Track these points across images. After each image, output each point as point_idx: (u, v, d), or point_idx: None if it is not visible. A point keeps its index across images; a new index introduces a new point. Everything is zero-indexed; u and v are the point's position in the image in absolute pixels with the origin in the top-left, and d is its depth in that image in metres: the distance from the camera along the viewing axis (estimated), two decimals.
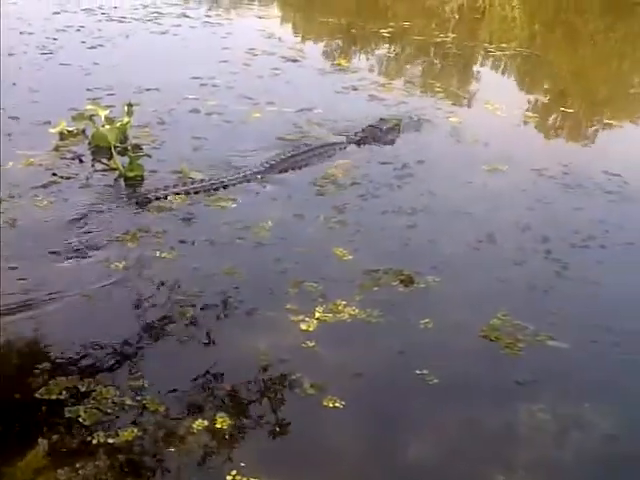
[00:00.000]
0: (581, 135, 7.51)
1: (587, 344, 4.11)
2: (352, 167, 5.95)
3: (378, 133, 6.53)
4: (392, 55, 9.36)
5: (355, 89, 7.62)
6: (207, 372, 3.55)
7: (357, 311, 4.19)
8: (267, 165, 5.73)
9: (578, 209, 5.64)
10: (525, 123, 7.51)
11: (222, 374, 3.54)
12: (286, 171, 5.79)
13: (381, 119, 6.67)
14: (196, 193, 5.33)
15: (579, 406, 3.63)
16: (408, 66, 8.96)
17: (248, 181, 5.56)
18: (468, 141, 6.79)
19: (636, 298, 4.60)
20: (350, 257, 4.74)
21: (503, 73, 9.38)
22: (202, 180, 5.45)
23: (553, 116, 7.86)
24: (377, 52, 9.37)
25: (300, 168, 5.88)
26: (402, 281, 4.53)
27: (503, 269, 4.79)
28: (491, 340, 4.06)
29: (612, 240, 5.18)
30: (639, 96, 9.18)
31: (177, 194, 5.26)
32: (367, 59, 9.07)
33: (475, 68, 9.45)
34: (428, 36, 10.06)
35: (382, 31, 9.89)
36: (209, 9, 10.25)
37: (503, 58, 9.75)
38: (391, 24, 10.21)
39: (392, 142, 6.57)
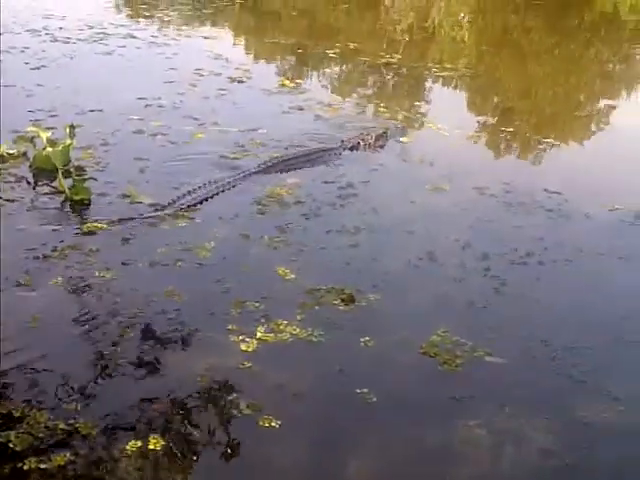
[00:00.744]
0: (523, 154, 7.65)
1: (524, 359, 4.19)
2: (298, 186, 5.97)
3: (369, 140, 6.91)
4: (338, 76, 9.46)
5: (301, 109, 7.67)
6: (142, 394, 3.51)
7: (298, 330, 4.20)
8: (267, 165, 6.08)
9: (518, 227, 5.74)
10: (469, 143, 7.62)
11: (158, 396, 3.51)
12: (282, 172, 6.14)
13: (370, 127, 7.16)
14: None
15: (515, 421, 3.68)
16: (354, 87, 9.03)
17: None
18: (413, 161, 6.88)
19: (572, 313, 4.69)
20: (293, 276, 4.76)
21: (449, 93, 9.52)
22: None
23: (496, 135, 8.00)
24: (324, 73, 9.45)
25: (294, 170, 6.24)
26: (343, 300, 4.56)
27: (443, 286, 4.85)
28: (430, 357, 4.11)
29: (550, 257, 5.28)
30: (581, 115, 9.39)
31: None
32: (313, 80, 9.14)
33: (421, 88, 9.59)
34: (375, 57, 10.17)
35: (329, 52, 9.99)
36: (160, 29, 10.22)
37: (449, 78, 9.91)
38: (338, 45, 10.31)
39: (382, 147, 6.98)
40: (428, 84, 9.74)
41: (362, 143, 6.91)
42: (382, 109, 8.12)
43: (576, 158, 7.71)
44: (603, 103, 9.96)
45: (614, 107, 9.72)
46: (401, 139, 7.28)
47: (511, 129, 8.12)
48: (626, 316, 4.68)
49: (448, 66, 10.32)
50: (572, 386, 3.99)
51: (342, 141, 6.80)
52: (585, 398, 3.90)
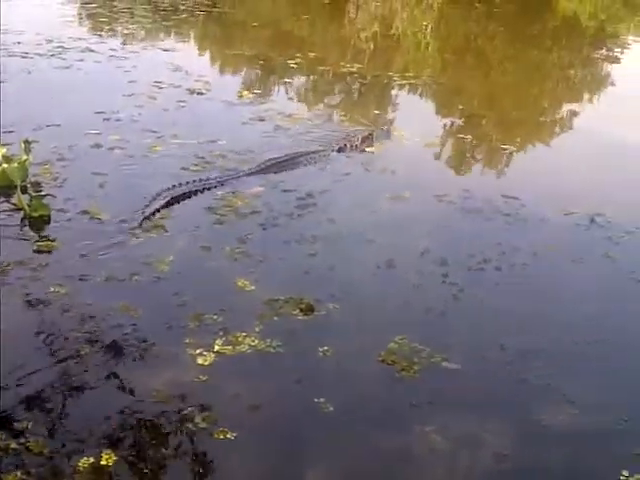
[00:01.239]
0: (483, 161, 7.74)
1: (480, 364, 4.24)
2: (254, 196, 5.97)
3: (355, 142, 7.16)
4: (299, 86, 9.47)
5: (261, 120, 7.67)
6: (96, 410, 3.48)
7: (257, 342, 4.20)
8: (261, 167, 6.33)
9: (476, 233, 5.81)
10: (431, 150, 7.66)
11: (112, 411, 3.48)
12: (276, 173, 6.41)
13: (356, 130, 7.44)
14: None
15: (471, 426, 3.72)
16: (315, 97, 9.06)
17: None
18: (374, 169, 6.92)
19: (528, 317, 4.74)
20: (252, 287, 4.76)
21: (411, 102, 9.58)
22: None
23: (458, 143, 8.07)
24: (285, 83, 9.46)
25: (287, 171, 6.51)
26: (302, 310, 4.57)
27: (401, 294, 4.88)
28: (388, 364, 4.13)
29: (507, 262, 5.35)
30: (542, 120, 9.52)
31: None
32: (274, 90, 9.15)
33: (383, 97, 9.64)
34: (337, 66, 10.25)
35: (290, 62, 10.02)
36: (119, 42, 10.17)
37: (412, 87, 10.00)
38: (301, 55, 10.33)
39: (368, 148, 7.27)
40: (390, 93, 9.79)
41: (349, 145, 7.16)
42: (343, 118, 8.15)
43: (534, 163, 7.79)
44: (564, 108, 10.13)
45: (575, 112, 9.89)
46: (367, 148, 7.33)
47: (473, 136, 8.21)
48: (581, 318, 4.75)
49: (410, 75, 10.42)
50: (527, 390, 4.04)
51: (330, 143, 7.07)
52: (540, 401, 3.95)
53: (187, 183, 5.90)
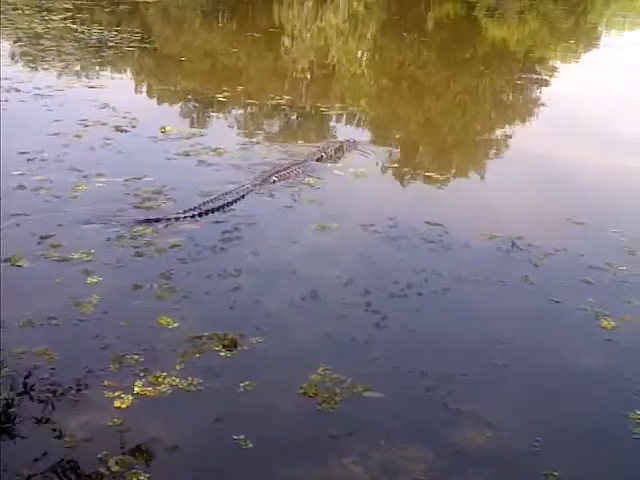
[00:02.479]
0: (410, 188, 7.84)
1: (401, 391, 4.30)
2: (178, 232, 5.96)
3: (330, 153, 8.01)
4: (226, 120, 9.51)
5: (187, 155, 7.68)
6: (7, 457, 3.41)
7: (178, 381, 4.18)
8: (261, 179, 6.98)
9: (400, 260, 5.90)
10: (360, 180, 7.73)
11: (23, 458, 3.42)
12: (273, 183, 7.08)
13: (329, 142, 8.37)
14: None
15: (391, 454, 3.76)
16: (242, 130, 9.10)
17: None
18: (303, 200, 6.95)
19: (449, 342, 4.83)
20: (175, 325, 4.74)
21: (343, 131, 9.64)
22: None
23: (387, 172, 8.18)
24: (211, 118, 9.50)
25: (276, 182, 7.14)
26: (225, 345, 4.57)
27: (325, 324, 4.92)
28: (310, 396, 4.15)
29: (430, 288, 5.44)
30: (469, 146, 9.70)
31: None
32: (201, 125, 9.17)
33: (311, 127, 9.72)
34: (266, 98, 10.35)
35: (218, 96, 10.08)
36: (45, 80, 10.05)
37: (343, 116, 10.14)
38: (227, 89, 10.42)
39: (339, 159, 8.07)
40: (320, 123, 9.90)
41: (325, 155, 7.98)
42: (268, 151, 8.19)
43: (461, 189, 7.94)
44: (495, 133, 10.39)
45: (506, 135, 10.17)
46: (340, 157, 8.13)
47: (403, 164, 8.36)
48: (500, 341, 4.86)
49: (343, 104, 10.59)
50: (447, 415, 4.11)
51: (309, 155, 7.89)
52: (459, 426, 4.02)
53: None
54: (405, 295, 5.32)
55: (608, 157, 8.93)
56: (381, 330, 4.88)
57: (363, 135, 9.31)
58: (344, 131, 9.45)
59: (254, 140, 8.60)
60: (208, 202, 6.42)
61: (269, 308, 5.04)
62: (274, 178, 7.17)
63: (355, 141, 8.69)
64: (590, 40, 21.36)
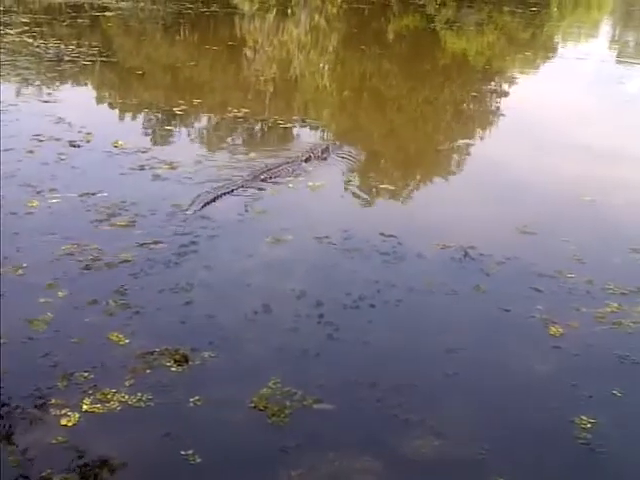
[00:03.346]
0: (365, 200, 7.85)
1: (351, 403, 4.33)
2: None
3: (318, 153, 8.42)
4: (181, 133, 9.48)
5: (142, 169, 7.65)
6: None
7: (127, 397, 4.17)
8: (252, 177, 7.52)
9: (353, 272, 5.94)
10: (316, 193, 7.74)
11: None
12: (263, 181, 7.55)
13: (315, 144, 8.83)
14: None
15: (340, 466, 3.79)
16: (196, 143, 9.06)
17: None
18: (258, 213, 6.95)
19: (400, 352, 4.89)
20: (126, 341, 4.73)
21: (301, 144, 9.61)
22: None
23: (344, 184, 8.17)
24: (167, 131, 9.45)
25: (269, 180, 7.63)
26: (176, 360, 4.56)
27: (278, 337, 4.94)
28: (260, 410, 4.16)
29: (382, 299, 5.49)
30: (431, 156, 9.78)
31: None
32: (156, 138, 9.12)
33: (271, 140, 9.71)
34: (224, 111, 10.35)
35: (175, 109, 10.07)
36: (3, 96, 9.94)
37: (303, 128, 10.16)
38: (184, 102, 10.40)
39: (326, 159, 8.48)
40: (279, 135, 9.91)
41: (312, 156, 8.36)
42: (226, 164, 8.18)
43: (416, 199, 8.02)
44: (454, 143, 10.44)
45: (465, 146, 10.23)
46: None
47: (360, 175, 8.41)
48: (451, 350, 4.91)
49: (301, 117, 10.63)
50: (396, 426, 4.15)
51: (298, 156, 8.30)
52: (407, 436, 4.06)
53: None
54: (358, 307, 5.36)
55: (563, 166, 9.09)
56: (333, 342, 4.91)
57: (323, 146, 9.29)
58: (303, 143, 9.48)
59: (210, 153, 8.58)
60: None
61: (221, 322, 5.05)
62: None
63: (340, 144, 9.05)
64: (547, 51, 21.73)
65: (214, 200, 6.94)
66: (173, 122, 9.75)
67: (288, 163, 8.13)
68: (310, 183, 7.82)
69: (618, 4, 39.52)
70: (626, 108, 13.51)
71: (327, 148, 8.84)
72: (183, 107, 10.21)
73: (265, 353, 4.78)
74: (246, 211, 6.94)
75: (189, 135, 9.42)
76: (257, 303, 5.30)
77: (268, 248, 6.22)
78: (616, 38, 26.30)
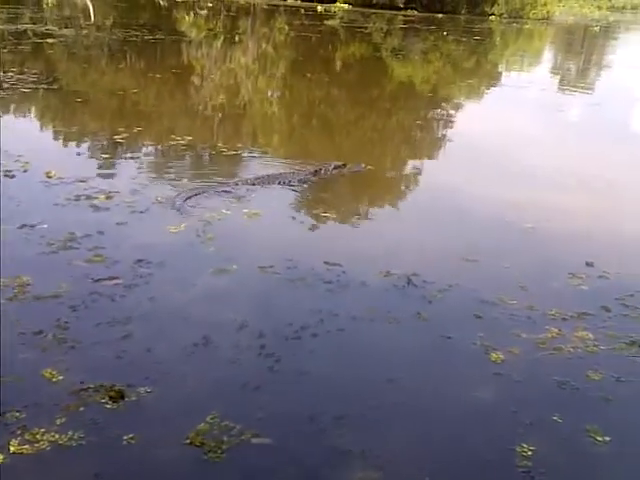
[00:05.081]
0: (309, 228, 7.75)
1: (291, 436, 4.25)
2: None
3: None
4: (122, 162, 9.33)
5: (77, 199, 7.48)
6: None
7: (57, 436, 4.02)
8: (255, 181, 8.47)
9: (296, 301, 5.88)
10: (263, 220, 7.67)
11: None
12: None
13: (324, 163, 9.33)
14: None
15: None
16: (136, 172, 8.86)
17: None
18: (201, 243, 6.84)
19: (341, 384, 4.83)
20: (60, 377, 4.57)
21: (237, 171, 9.52)
22: None
23: (290, 212, 8.14)
24: (108, 159, 9.29)
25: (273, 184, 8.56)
26: (111, 397, 4.42)
27: (217, 370, 4.84)
28: (196, 446, 4.05)
29: (325, 328, 5.44)
30: (377, 183, 9.79)
31: None
32: (96, 167, 8.94)
33: (209, 168, 9.54)
34: (166, 139, 10.26)
35: (116, 137, 9.94)
36: None
37: (242, 155, 10.09)
38: (125, 130, 10.28)
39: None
40: (221, 163, 9.81)
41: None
42: (163, 193, 8.02)
43: (361, 227, 7.97)
44: (402, 169, 10.53)
45: (411, 171, 10.34)
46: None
47: (307, 203, 8.39)
48: (392, 380, 4.88)
49: (241, 145, 10.57)
50: (336, 458, 4.08)
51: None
52: (347, 469, 4.00)
53: None
54: (299, 337, 5.30)
55: (506, 193, 9.23)
56: (274, 374, 4.83)
57: (264, 173, 9.25)
58: (249, 170, 9.44)
59: (149, 182, 8.43)
60: None
61: (159, 356, 4.92)
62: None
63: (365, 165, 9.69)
64: (491, 80, 22.24)
65: None
66: (114, 150, 9.60)
67: (230, 190, 8.08)
68: (257, 210, 7.76)
69: (558, 33, 40.74)
70: (567, 135, 13.85)
71: (274, 174, 8.87)
72: (125, 135, 10.08)
73: (203, 387, 4.67)
74: (191, 244, 6.80)
75: (129, 164, 9.25)
76: (197, 335, 5.19)
77: (212, 279, 6.12)
78: (557, 66, 27.06)
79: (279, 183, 8.69)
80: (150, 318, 5.39)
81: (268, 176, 8.78)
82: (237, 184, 8.50)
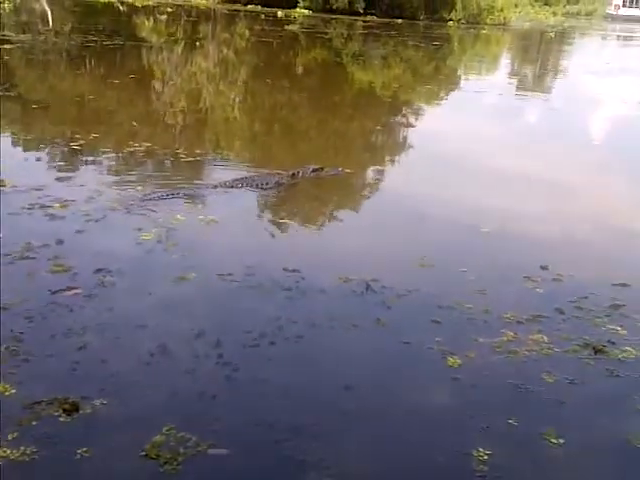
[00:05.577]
0: (269, 235, 7.71)
1: (247, 446, 4.22)
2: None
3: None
4: (78, 169, 9.22)
5: (32, 208, 7.37)
6: None
7: (9, 452, 3.95)
8: (231, 184, 8.58)
9: (255, 309, 5.86)
10: (223, 226, 7.62)
11: None
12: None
13: (304, 166, 9.47)
14: None
15: None
16: (92, 180, 8.70)
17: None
18: (163, 251, 6.78)
19: (299, 392, 4.82)
20: (12, 391, 4.49)
21: (199, 177, 9.49)
22: None
23: (250, 216, 8.12)
24: (64, 167, 9.16)
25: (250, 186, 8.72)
26: (66, 410, 4.36)
27: (174, 380, 4.80)
28: (152, 458, 4.01)
29: (283, 336, 5.43)
30: (339, 188, 9.78)
31: None
32: (52, 175, 8.80)
33: (167, 175, 9.44)
34: (124, 145, 10.17)
35: (73, 144, 9.81)
36: None
37: (203, 162, 10.04)
38: (81, 136, 10.15)
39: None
40: (183, 169, 9.73)
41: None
42: (120, 199, 7.93)
43: (319, 233, 7.95)
44: (361, 176, 10.55)
45: (373, 176, 10.38)
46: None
47: (268, 209, 8.37)
48: (350, 387, 4.88)
49: (200, 151, 10.49)
50: (291, 468, 4.07)
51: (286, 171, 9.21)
52: (304, 477, 3.98)
53: None
54: (257, 345, 5.28)
55: (464, 197, 9.32)
56: (231, 383, 4.81)
57: (225, 178, 9.20)
58: (208, 175, 9.40)
59: (106, 189, 8.31)
60: None
61: (115, 367, 4.86)
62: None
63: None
64: (450, 84, 22.48)
65: None
66: (71, 157, 9.48)
67: (188, 194, 8.06)
68: (219, 215, 7.73)
69: (515, 39, 41.35)
70: (524, 140, 14.04)
71: (251, 177, 8.94)
72: (82, 142, 9.96)
73: (160, 397, 4.62)
74: (151, 251, 6.74)
75: (86, 171, 9.14)
76: (154, 345, 5.14)
77: (172, 287, 6.06)
78: (514, 71, 27.46)
79: (256, 186, 8.77)
80: (107, 328, 5.32)
81: (245, 178, 8.89)
82: (215, 187, 8.59)
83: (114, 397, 4.53)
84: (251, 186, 8.75)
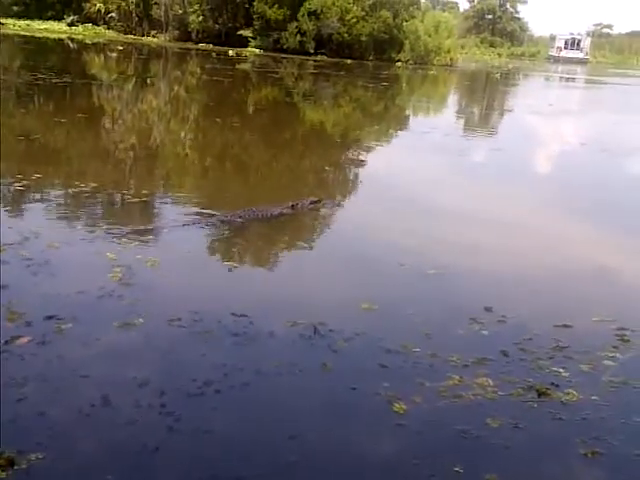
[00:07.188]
0: (217, 279, 7.65)
1: None
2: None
3: (306, 204, 9.89)
4: (17, 211, 9.06)
5: None
6: None
7: None
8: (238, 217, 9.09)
9: (201, 356, 5.77)
10: (171, 267, 7.52)
11: None
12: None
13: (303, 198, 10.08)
14: None
15: None
16: (34, 222, 8.48)
17: None
18: (110, 295, 6.65)
19: (242, 442, 4.74)
20: None
21: (150, 217, 9.40)
22: None
23: (197, 258, 8.04)
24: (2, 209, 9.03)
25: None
26: (0, 465, 4.21)
27: (115, 432, 4.69)
28: None
29: (229, 383, 5.35)
30: (289, 228, 9.76)
31: None
32: None
33: (108, 215, 9.34)
34: (69, 185, 10.05)
35: (16, 184, 9.65)
36: None
37: (145, 202, 9.95)
38: (24, 176, 10.01)
39: (315, 209, 9.86)
40: (128, 210, 9.64)
41: (299, 205, 9.72)
42: (67, 242, 7.80)
43: (268, 277, 7.89)
44: (309, 215, 10.54)
45: (322, 216, 10.37)
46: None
47: (215, 250, 8.31)
48: (294, 436, 4.83)
49: (147, 191, 10.41)
50: None
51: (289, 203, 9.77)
52: None
53: None
54: (203, 393, 5.20)
55: (409, 237, 9.41)
56: (173, 434, 4.71)
57: (175, 218, 9.13)
58: (156, 215, 9.32)
59: (50, 231, 8.16)
60: None
61: (54, 419, 4.73)
62: None
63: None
64: (398, 124, 22.87)
65: None
66: (12, 199, 9.30)
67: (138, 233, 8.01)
68: (167, 256, 7.65)
69: (462, 79, 42.33)
70: (469, 180, 14.32)
71: (189, 221, 8.90)
72: (24, 182, 9.79)
73: (100, 450, 4.51)
74: (99, 297, 6.60)
75: (28, 212, 8.98)
76: (95, 395, 5.02)
77: (117, 332, 5.95)
78: (461, 111, 28.09)
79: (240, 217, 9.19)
80: (48, 378, 5.18)
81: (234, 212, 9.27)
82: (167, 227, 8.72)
83: (51, 451, 4.40)
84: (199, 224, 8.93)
